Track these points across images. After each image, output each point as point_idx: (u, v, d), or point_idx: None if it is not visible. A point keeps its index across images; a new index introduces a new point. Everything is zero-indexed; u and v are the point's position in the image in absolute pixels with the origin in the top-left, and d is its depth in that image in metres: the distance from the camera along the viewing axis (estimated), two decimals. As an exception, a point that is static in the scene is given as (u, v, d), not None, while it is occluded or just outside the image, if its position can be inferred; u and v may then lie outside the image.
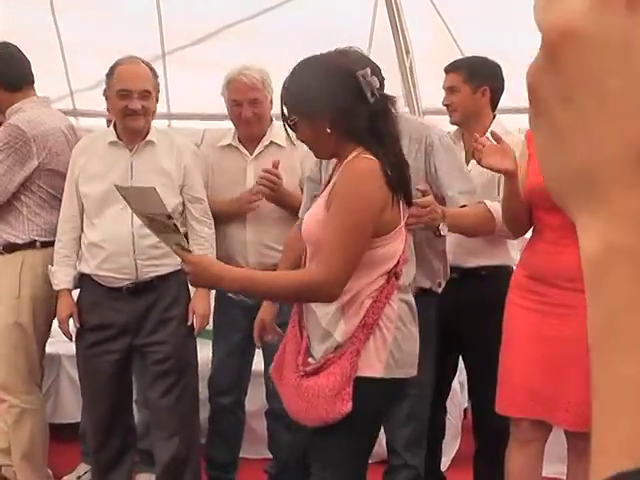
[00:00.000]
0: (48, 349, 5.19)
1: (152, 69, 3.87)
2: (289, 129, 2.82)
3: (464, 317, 3.64)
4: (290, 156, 3.91)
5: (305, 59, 2.78)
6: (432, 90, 8.32)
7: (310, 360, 2.76)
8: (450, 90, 3.99)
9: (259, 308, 3.43)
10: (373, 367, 2.71)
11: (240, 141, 4.05)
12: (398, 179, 2.71)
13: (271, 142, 3.98)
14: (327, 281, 2.59)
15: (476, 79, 3.94)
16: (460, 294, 3.78)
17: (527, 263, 3.43)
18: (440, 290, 3.57)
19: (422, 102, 8.41)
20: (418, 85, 8.29)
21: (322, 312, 2.74)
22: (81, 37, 8.12)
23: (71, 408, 5.13)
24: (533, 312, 3.33)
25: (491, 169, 3.36)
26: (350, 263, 2.61)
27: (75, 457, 4.70)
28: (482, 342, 3.58)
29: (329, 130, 2.67)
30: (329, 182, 2.83)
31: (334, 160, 2.89)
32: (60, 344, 5.19)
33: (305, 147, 2.96)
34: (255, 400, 4.35)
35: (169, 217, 2.80)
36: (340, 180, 2.69)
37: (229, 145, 4.10)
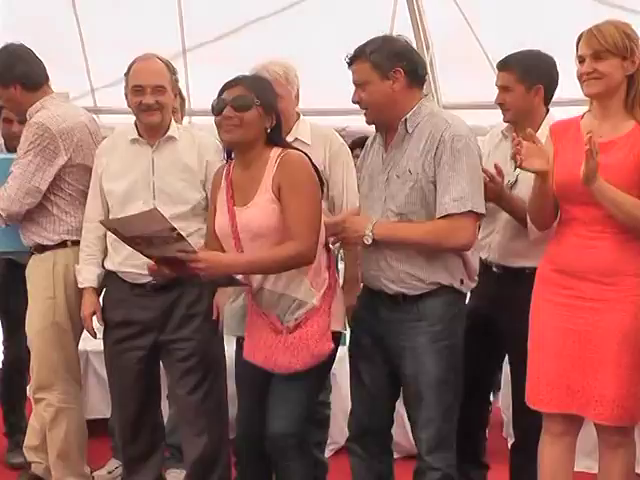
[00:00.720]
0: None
1: (168, 65, 3.86)
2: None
3: (507, 313, 3.59)
4: (315, 153, 3.86)
5: None
6: (451, 85, 8.35)
7: (284, 322, 3.37)
8: (503, 89, 3.88)
9: None
10: (336, 322, 3.43)
11: None
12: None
13: (295, 139, 3.95)
14: (308, 249, 3.27)
15: (530, 78, 3.81)
16: (504, 290, 3.77)
17: (555, 257, 3.39)
18: (466, 290, 3.50)
19: (442, 97, 8.39)
20: (438, 80, 8.26)
21: (296, 289, 3.36)
22: (102, 34, 8.16)
23: (99, 404, 5.16)
24: (563, 306, 3.31)
25: (529, 171, 3.35)
26: (317, 234, 3.32)
27: (104, 452, 4.73)
28: (524, 339, 3.54)
29: None
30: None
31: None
32: (87, 341, 5.19)
33: None
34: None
35: (173, 229, 3.12)
36: (285, 171, 3.31)
37: None
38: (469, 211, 3.24)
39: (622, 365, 3.22)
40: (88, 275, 3.91)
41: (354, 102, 3.42)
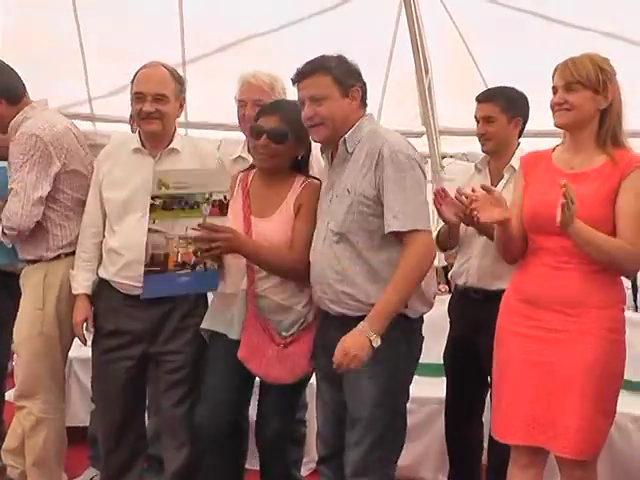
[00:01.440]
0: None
1: (174, 73, 3.82)
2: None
3: (488, 336, 3.58)
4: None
5: None
6: (447, 111, 8.38)
7: (283, 334, 3.53)
8: (486, 120, 4.08)
9: None
10: None
11: (249, 150, 4.05)
12: None
13: None
14: (305, 261, 3.45)
15: (512, 110, 4.07)
16: (484, 314, 3.78)
17: (520, 286, 3.39)
18: (412, 314, 3.37)
19: (439, 123, 8.41)
20: (436, 105, 8.29)
21: (295, 301, 3.56)
22: (101, 44, 8.15)
23: (79, 412, 5.14)
24: (527, 337, 3.29)
25: (490, 223, 3.37)
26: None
27: (82, 461, 4.70)
28: None
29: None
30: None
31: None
32: (72, 348, 5.20)
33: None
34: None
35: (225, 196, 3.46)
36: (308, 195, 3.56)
37: (239, 157, 4.12)
38: (413, 230, 3.21)
39: (586, 397, 3.18)
40: (83, 282, 3.88)
41: (306, 118, 3.35)
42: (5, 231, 3.90)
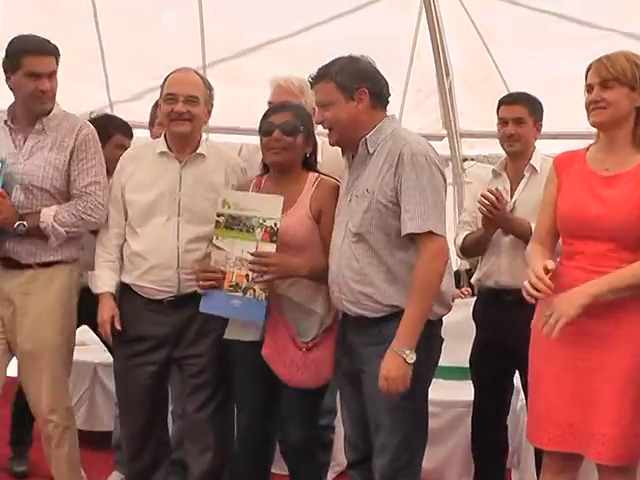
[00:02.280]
0: (83, 357, 5.27)
1: (205, 80, 3.86)
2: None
3: (523, 340, 3.52)
4: (327, 170, 3.92)
5: None
6: (469, 113, 8.35)
7: (303, 339, 3.53)
8: (517, 121, 4.16)
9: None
10: None
11: None
12: None
13: None
14: None
15: (535, 114, 4.19)
16: (513, 315, 3.76)
17: (557, 291, 3.29)
18: (432, 316, 3.34)
19: (460, 125, 8.38)
20: (456, 107, 8.25)
21: (316, 304, 3.57)
22: (122, 49, 8.17)
23: (104, 416, 5.17)
24: (563, 342, 3.18)
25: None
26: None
27: (106, 465, 4.72)
28: None
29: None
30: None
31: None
32: (95, 353, 5.25)
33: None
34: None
35: (275, 224, 3.50)
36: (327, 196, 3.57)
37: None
38: (427, 233, 3.21)
39: (625, 403, 3.13)
40: (108, 280, 3.85)
41: (317, 123, 3.45)
42: (77, 224, 3.85)
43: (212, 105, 3.88)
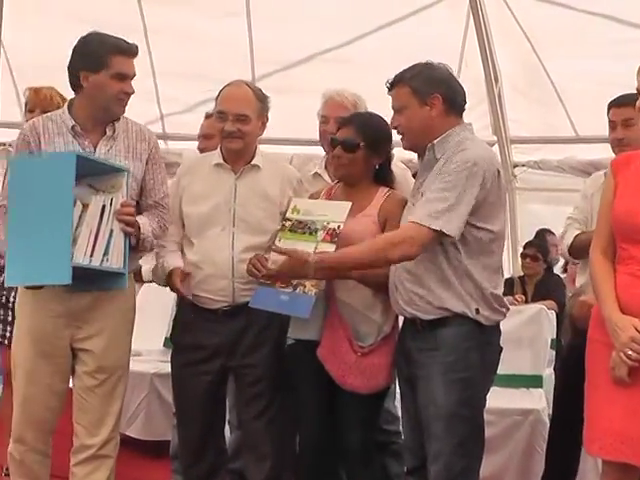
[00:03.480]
0: (139, 367, 5.32)
1: (257, 92, 3.83)
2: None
3: None
4: None
5: None
6: (519, 119, 8.31)
7: (360, 344, 3.54)
8: (625, 122, 3.99)
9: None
10: None
11: (326, 167, 4.10)
12: None
13: None
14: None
15: None
16: None
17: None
18: (486, 321, 3.34)
19: (509, 131, 8.33)
20: (506, 113, 8.22)
21: (372, 310, 3.57)
22: (172, 63, 8.26)
23: (160, 426, 5.19)
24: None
25: None
26: None
27: (164, 475, 4.74)
28: None
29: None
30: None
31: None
32: (151, 363, 5.29)
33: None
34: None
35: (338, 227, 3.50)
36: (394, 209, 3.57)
37: (316, 173, 4.14)
38: (435, 230, 3.18)
39: None
40: (175, 261, 3.82)
41: (393, 127, 3.47)
42: (161, 237, 3.76)
43: (267, 116, 3.88)
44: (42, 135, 3.54)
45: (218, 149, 3.90)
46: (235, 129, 3.74)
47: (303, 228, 3.58)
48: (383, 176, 3.71)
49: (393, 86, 3.40)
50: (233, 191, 3.80)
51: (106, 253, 3.38)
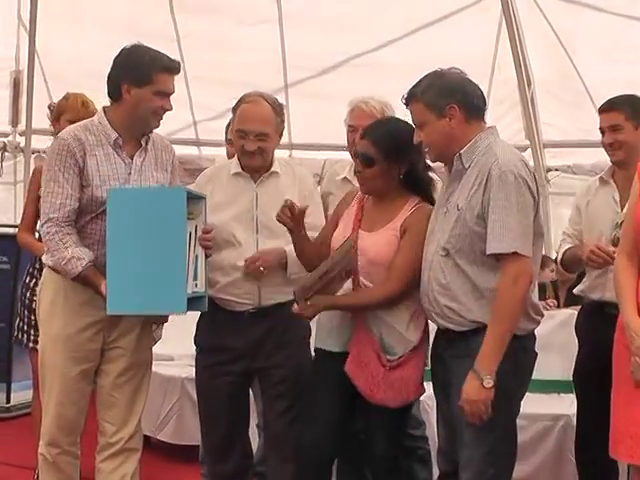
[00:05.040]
0: (170, 372, 5.37)
1: (274, 106, 3.84)
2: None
3: None
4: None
5: None
6: (553, 123, 8.27)
7: (388, 357, 3.48)
8: (612, 128, 3.96)
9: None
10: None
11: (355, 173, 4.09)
12: None
13: None
14: (396, 292, 3.47)
15: (638, 116, 3.95)
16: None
17: (636, 300, 3.24)
18: (518, 331, 3.27)
19: (543, 135, 8.29)
20: (539, 117, 8.18)
21: (397, 320, 3.50)
22: (204, 69, 8.31)
23: (191, 430, 5.22)
24: None
25: None
26: (410, 279, 3.45)
27: (195, 478, 4.77)
28: None
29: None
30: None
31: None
32: (182, 367, 5.33)
33: None
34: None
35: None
36: (415, 218, 3.52)
37: (345, 178, 4.15)
38: (514, 252, 3.15)
39: None
40: None
41: (417, 143, 3.36)
42: None
43: (284, 126, 3.91)
44: (85, 146, 3.55)
45: (235, 158, 3.92)
46: (256, 148, 3.77)
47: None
48: (413, 183, 3.61)
49: (408, 103, 3.34)
50: (254, 199, 3.84)
51: (195, 278, 3.54)
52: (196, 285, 3.55)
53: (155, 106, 3.56)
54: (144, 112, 3.56)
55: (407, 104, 3.35)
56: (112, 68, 3.60)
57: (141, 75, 3.52)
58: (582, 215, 4.14)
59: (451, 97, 3.26)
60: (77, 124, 3.66)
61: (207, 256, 3.66)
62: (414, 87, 3.32)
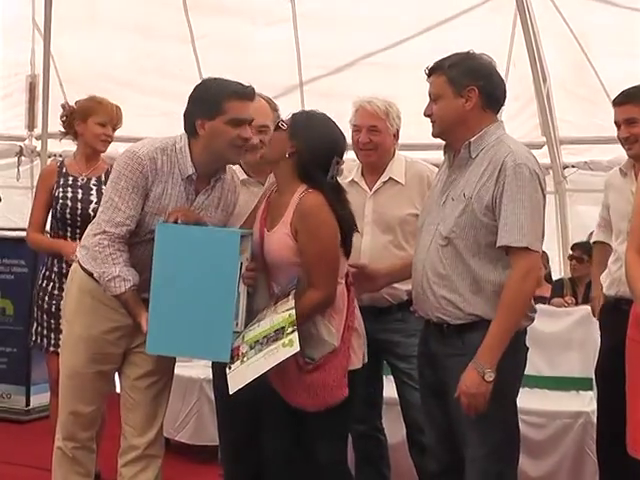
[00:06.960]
0: (189, 373, 5.37)
1: (270, 103, 3.84)
2: None
3: None
4: (408, 192, 3.95)
5: None
6: (568, 119, 8.24)
7: (307, 360, 3.29)
8: (628, 122, 3.91)
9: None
10: (354, 361, 3.38)
11: (363, 174, 4.08)
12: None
13: (389, 178, 4.00)
14: (327, 296, 3.31)
15: None
16: None
17: None
18: None
19: (559, 132, 8.26)
20: (555, 114, 8.15)
21: (309, 323, 3.29)
22: (219, 69, 8.29)
23: (210, 431, 5.23)
24: None
25: None
26: (335, 278, 3.33)
27: (213, 479, 4.78)
28: None
29: None
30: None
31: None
32: (200, 368, 5.34)
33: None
34: (395, 432, 4.35)
35: None
36: (299, 216, 3.32)
37: (352, 180, 4.15)
38: (522, 248, 3.10)
39: None
40: None
41: (425, 115, 3.30)
42: None
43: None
44: (157, 171, 3.41)
45: (238, 166, 3.79)
46: (258, 141, 3.68)
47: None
48: (305, 173, 3.37)
49: (431, 73, 3.27)
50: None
51: (236, 317, 3.34)
52: (237, 324, 3.33)
53: (230, 137, 3.35)
54: (220, 145, 3.38)
55: (430, 74, 3.28)
56: (186, 106, 3.47)
57: (210, 106, 3.34)
58: (605, 205, 4.13)
59: (475, 80, 3.20)
60: (153, 142, 3.47)
61: (248, 293, 3.44)
62: (442, 60, 3.27)
